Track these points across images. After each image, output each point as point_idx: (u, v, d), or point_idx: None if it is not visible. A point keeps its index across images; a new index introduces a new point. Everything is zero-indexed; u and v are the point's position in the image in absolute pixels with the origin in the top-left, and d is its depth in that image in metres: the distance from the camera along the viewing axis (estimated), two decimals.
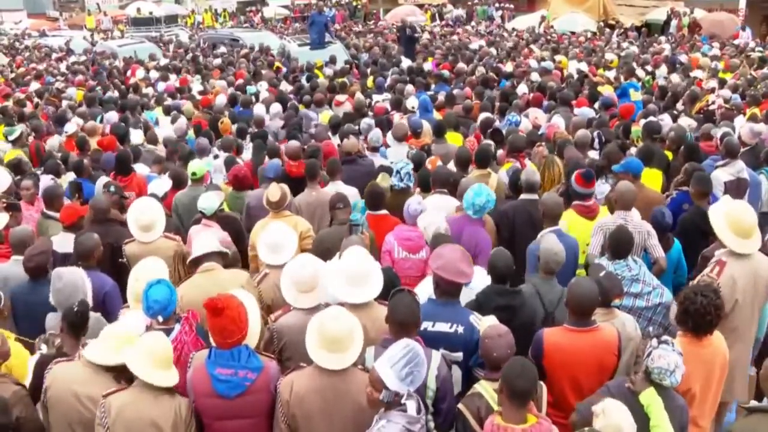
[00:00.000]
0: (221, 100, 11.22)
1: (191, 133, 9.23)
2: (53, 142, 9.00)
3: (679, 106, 10.49)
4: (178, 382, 3.50)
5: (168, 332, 3.82)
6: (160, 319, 3.86)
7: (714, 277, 4.48)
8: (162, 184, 6.77)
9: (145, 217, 5.31)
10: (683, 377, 3.50)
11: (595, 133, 8.01)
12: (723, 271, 4.50)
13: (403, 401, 3.10)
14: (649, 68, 14.47)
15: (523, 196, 5.91)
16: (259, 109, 10.03)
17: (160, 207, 5.56)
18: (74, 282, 4.21)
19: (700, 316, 3.77)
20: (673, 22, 24.66)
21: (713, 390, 3.95)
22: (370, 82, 13.00)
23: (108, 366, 3.57)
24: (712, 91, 11.27)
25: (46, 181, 6.96)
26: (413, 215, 5.26)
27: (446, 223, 5.08)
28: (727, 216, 4.59)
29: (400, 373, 3.08)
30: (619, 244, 4.72)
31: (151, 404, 3.36)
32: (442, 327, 3.87)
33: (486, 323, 3.73)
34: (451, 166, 6.79)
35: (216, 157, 8.09)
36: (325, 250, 4.83)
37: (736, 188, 6.30)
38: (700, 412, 3.90)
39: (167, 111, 10.94)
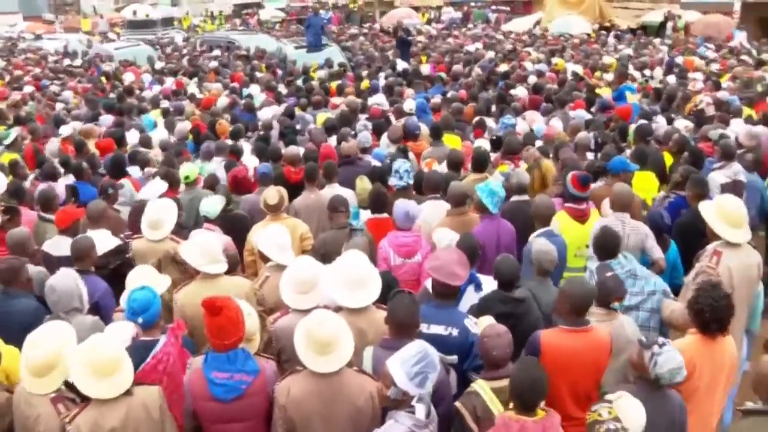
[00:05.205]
0: (222, 102, 11.20)
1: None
2: (52, 146, 8.96)
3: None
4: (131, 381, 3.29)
5: (153, 344, 3.73)
6: (140, 320, 3.79)
7: (713, 267, 4.53)
8: (155, 187, 6.69)
9: (155, 215, 5.30)
10: (690, 375, 3.53)
11: (591, 134, 8.03)
12: (720, 261, 4.55)
13: (413, 403, 3.10)
14: (648, 72, 14.49)
15: (514, 198, 5.88)
16: (265, 113, 10.02)
17: (174, 208, 5.49)
18: (68, 290, 4.16)
19: (715, 317, 3.77)
20: (669, 25, 24.72)
21: (720, 390, 3.95)
22: (366, 84, 13.01)
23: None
24: (700, 91, 11.31)
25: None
26: (404, 221, 5.26)
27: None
28: (718, 208, 4.72)
29: (409, 371, 3.09)
30: (605, 246, 4.69)
31: (118, 411, 3.22)
32: (437, 329, 3.86)
33: (484, 323, 3.73)
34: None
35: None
36: (328, 252, 4.82)
37: (732, 191, 6.28)
38: (705, 410, 3.88)
39: (165, 114, 10.92)
